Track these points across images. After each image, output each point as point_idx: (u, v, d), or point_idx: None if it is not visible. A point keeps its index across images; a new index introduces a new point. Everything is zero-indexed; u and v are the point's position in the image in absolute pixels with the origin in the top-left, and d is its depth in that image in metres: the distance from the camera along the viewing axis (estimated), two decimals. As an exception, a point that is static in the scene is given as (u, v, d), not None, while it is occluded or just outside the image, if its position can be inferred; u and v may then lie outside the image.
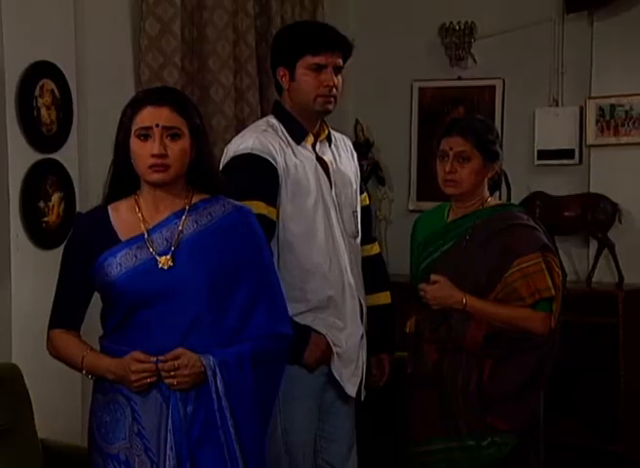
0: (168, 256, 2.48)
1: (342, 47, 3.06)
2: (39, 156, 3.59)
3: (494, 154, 3.22)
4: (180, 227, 2.51)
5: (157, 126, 2.45)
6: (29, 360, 3.25)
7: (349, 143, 3.34)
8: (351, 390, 3.09)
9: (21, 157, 3.53)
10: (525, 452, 3.17)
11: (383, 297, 3.33)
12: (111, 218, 2.54)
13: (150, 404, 2.45)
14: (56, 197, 3.65)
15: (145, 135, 2.46)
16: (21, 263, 3.53)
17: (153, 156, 2.44)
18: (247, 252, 2.53)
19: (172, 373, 2.41)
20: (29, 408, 3.16)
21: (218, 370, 2.43)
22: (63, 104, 3.67)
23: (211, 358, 2.43)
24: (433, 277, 3.16)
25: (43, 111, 3.60)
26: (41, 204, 3.60)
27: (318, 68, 3.01)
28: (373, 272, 3.29)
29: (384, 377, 3.29)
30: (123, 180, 2.55)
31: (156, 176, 2.47)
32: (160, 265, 2.47)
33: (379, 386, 3.27)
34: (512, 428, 3.09)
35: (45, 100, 3.60)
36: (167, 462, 2.41)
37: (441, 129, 3.29)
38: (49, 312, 2.62)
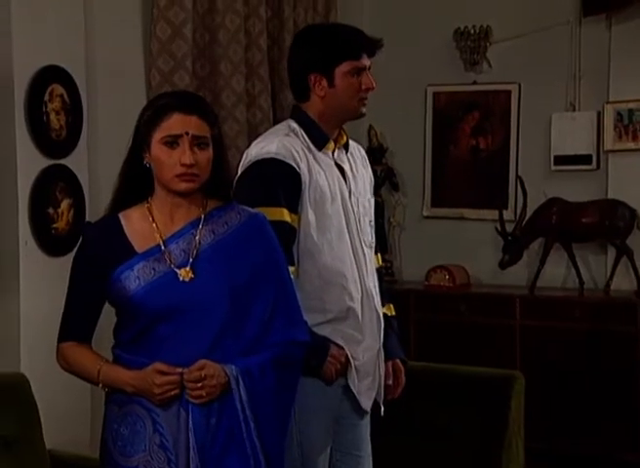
0: (188, 268, 2.41)
1: (378, 49, 3.05)
2: (48, 162, 3.58)
3: None
4: (198, 237, 2.45)
5: (187, 134, 2.39)
6: (38, 369, 3.22)
7: (363, 152, 3.29)
8: (366, 404, 3.03)
9: (31, 163, 3.52)
10: None
11: (390, 309, 3.28)
12: (125, 228, 2.47)
13: (172, 416, 2.38)
14: (65, 203, 3.63)
15: (173, 142, 2.40)
16: (30, 270, 3.51)
17: (183, 165, 2.39)
18: (264, 259, 2.48)
19: (199, 385, 2.34)
20: (37, 417, 3.13)
21: (241, 378, 2.38)
22: (73, 109, 3.66)
23: (233, 367, 2.38)
24: None
25: (52, 116, 3.58)
26: (50, 210, 3.58)
27: (359, 72, 3.00)
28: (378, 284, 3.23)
29: (400, 388, 3.23)
30: (135, 186, 2.49)
31: (184, 186, 2.41)
32: (181, 278, 2.41)
33: (394, 397, 3.21)
34: None
35: (54, 105, 3.59)
36: None
37: None
38: (58, 320, 2.53)
